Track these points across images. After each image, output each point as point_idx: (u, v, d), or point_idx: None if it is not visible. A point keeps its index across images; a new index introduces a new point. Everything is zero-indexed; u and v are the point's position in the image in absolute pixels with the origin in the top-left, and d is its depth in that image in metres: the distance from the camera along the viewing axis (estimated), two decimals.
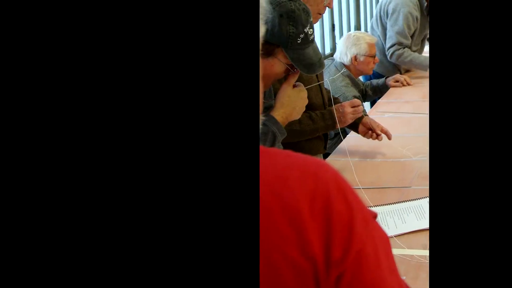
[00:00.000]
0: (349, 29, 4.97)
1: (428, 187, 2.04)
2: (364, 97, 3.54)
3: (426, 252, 1.63)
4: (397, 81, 3.59)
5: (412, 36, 3.76)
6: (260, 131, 0.68)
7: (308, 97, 1.82)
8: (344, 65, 3.35)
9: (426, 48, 4.09)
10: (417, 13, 3.71)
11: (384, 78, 3.65)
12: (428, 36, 3.95)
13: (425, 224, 1.79)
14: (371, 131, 2.38)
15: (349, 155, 2.37)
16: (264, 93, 1.80)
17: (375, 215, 0.73)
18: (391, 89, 3.54)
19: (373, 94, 3.60)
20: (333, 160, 2.43)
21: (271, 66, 1.64)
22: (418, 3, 3.72)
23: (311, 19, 1.67)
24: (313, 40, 1.68)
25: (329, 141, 2.48)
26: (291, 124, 1.83)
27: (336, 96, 2.63)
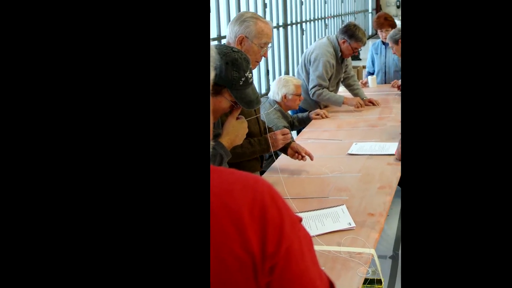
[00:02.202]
0: (280, 74, 5.03)
1: (341, 197, 2.09)
2: (292, 127, 3.58)
3: (340, 248, 1.65)
4: (317, 114, 3.62)
5: (329, 79, 3.79)
6: (210, 153, 0.68)
7: (248, 127, 1.83)
8: (276, 102, 3.39)
9: (341, 89, 4.15)
10: (333, 61, 3.75)
11: (307, 112, 3.68)
12: (341, 79, 4.01)
13: (339, 226, 1.81)
14: (297, 154, 2.41)
15: (280, 172, 2.40)
16: (214, 124, 1.81)
17: (300, 219, 0.74)
18: (313, 121, 3.57)
19: (299, 124, 3.63)
20: (267, 176, 2.44)
21: (219, 102, 1.65)
22: (334, 53, 3.75)
23: (250, 66, 1.69)
24: (252, 83, 1.70)
25: (264, 161, 2.49)
26: (235, 148, 1.84)
27: (270, 126, 2.65)
